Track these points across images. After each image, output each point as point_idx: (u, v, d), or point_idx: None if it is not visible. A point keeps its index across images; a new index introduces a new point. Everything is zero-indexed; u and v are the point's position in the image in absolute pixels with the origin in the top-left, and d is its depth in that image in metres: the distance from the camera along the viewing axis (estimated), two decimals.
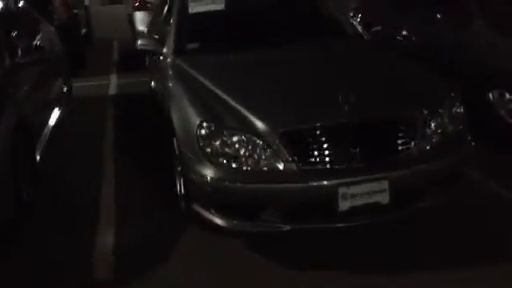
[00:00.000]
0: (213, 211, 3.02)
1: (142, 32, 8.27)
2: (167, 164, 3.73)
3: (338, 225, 2.93)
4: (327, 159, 2.88)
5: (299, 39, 4.11)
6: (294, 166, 2.86)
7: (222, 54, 3.95)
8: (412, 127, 3.00)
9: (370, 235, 3.18)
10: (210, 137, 2.98)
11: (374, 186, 2.87)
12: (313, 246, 3.16)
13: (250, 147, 2.91)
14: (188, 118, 3.16)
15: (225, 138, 2.95)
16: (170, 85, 3.79)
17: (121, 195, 4.00)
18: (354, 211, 2.87)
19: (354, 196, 2.85)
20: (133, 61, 8.71)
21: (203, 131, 3.00)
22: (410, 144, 2.98)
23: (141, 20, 8.50)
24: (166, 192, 3.84)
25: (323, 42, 4.13)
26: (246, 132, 2.93)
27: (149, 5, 8.43)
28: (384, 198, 2.90)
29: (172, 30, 4.23)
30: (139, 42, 4.30)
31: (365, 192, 2.87)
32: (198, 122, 3.03)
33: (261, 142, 2.90)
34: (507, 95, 4.54)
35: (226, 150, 2.94)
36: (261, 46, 3.98)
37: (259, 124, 2.94)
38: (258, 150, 2.90)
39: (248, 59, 3.83)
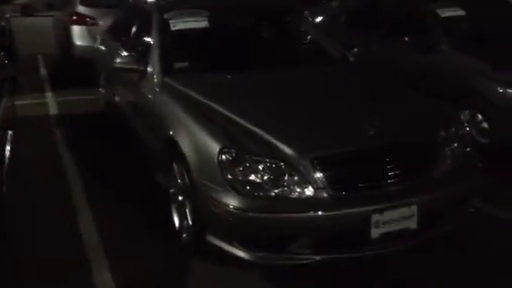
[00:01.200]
0: (236, 243, 2.80)
1: (81, 46, 7.85)
2: (152, 192, 3.47)
3: (368, 253, 2.83)
4: (359, 185, 2.78)
5: (292, 62, 4.03)
6: (325, 193, 2.72)
7: (216, 74, 3.75)
8: (434, 150, 3.00)
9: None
10: (234, 164, 2.77)
11: (405, 211, 2.82)
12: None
13: (276, 174, 2.74)
14: (204, 143, 2.93)
15: (249, 165, 2.76)
16: (163, 106, 3.53)
17: (103, 229, 3.64)
18: (383, 238, 2.80)
19: (385, 223, 2.78)
20: (64, 77, 8.29)
21: (225, 158, 2.79)
22: (434, 167, 2.98)
23: (79, 35, 8.01)
24: (151, 222, 3.61)
25: (318, 66, 4.07)
26: (272, 158, 2.77)
27: (88, 19, 7.98)
28: (413, 223, 2.85)
29: (155, 48, 3.96)
30: (118, 60, 3.98)
31: (395, 218, 2.80)
32: (218, 149, 2.82)
33: (288, 169, 2.74)
34: (479, 116, 4.74)
35: (252, 177, 2.75)
36: (256, 67, 3.84)
37: (286, 149, 2.79)
38: (285, 177, 2.73)
39: (249, 81, 3.66)
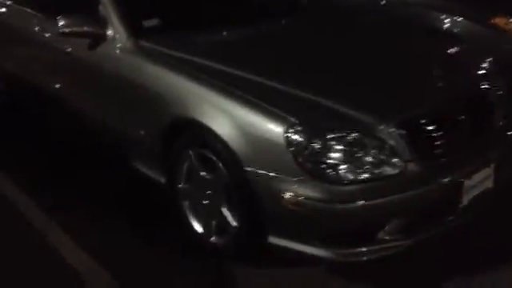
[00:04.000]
0: (315, 242, 2.24)
1: None
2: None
3: (458, 222, 2.45)
4: (446, 149, 2.36)
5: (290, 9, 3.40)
6: (416, 166, 2.25)
7: (203, 32, 2.99)
8: (504, 97, 2.67)
9: None
10: (307, 145, 2.16)
11: (487, 171, 2.48)
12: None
13: (361, 150, 2.19)
14: (257, 124, 2.25)
15: (326, 144, 2.17)
16: (155, 80, 2.72)
17: (87, 246, 2.80)
18: (470, 204, 2.44)
19: (473, 187, 2.42)
20: None
21: (294, 139, 2.16)
22: (497, 116, 2.66)
23: None
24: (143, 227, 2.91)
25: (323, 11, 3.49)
26: (351, 130, 2.20)
27: None
28: (490, 183, 2.53)
29: (108, 4, 3.04)
30: (62, 22, 2.99)
31: (480, 180, 2.45)
32: (283, 128, 2.18)
33: (373, 141, 2.21)
34: None
35: (332, 159, 2.17)
36: (245, 21, 3.14)
37: (363, 117, 2.24)
38: (372, 153, 2.20)
39: (256, 37, 2.97)
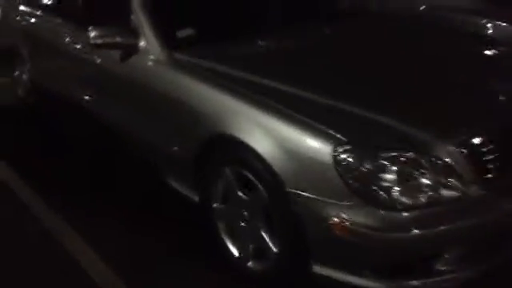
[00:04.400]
0: (366, 273, 2.04)
1: None
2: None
3: None
4: (509, 171, 2.13)
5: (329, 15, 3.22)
6: (478, 189, 2.03)
7: (239, 42, 2.84)
8: None
9: None
10: (358, 166, 1.96)
11: None
12: None
13: (418, 172, 1.98)
14: (301, 142, 2.06)
15: (380, 164, 1.96)
16: (190, 94, 2.56)
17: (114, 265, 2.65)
18: None
19: None
20: None
21: (344, 158, 1.97)
22: None
23: None
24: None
25: (354, 23, 3.29)
26: (407, 149, 1.99)
27: None
28: None
29: (140, 14, 2.91)
30: (93, 34, 2.87)
31: None
32: (331, 147, 1.99)
33: (431, 162, 1.99)
34: None
35: (386, 181, 1.96)
36: (285, 30, 2.98)
37: (421, 135, 2.03)
38: (431, 174, 1.98)
39: (293, 45, 2.81)
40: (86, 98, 3.62)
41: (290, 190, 2.09)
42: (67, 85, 3.89)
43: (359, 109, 2.15)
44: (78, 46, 3.48)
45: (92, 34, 2.88)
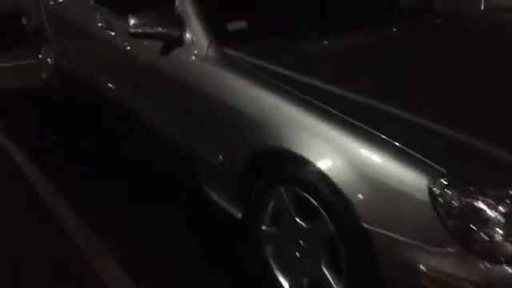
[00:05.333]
0: None
1: None
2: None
3: None
4: None
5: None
6: None
7: (303, 38, 2.47)
8: None
9: None
10: (459, 205, 1.59)
11: None
12: None
13: None
14: (383, 168, 1.70)
15: (490, 203, 1.58)
16: (242, 99, 2.21)
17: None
18: None
19: None
20: None
21: (443, 195, 1.60)
22: None
23: None
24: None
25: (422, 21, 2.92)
26: None
27: None
28: None
29: (186, 2, 2.56)
30: (133, 22, 2.53)
31: None
32: (426, 180, 1.61)
33: None
34: None
35: (491, 226, 1.59)
36: (351, 26, 2.61)
37: None
38: None
39: (364, 47, 2.44)
40: (115, 88, 3.31)
41: (366, 225, 1.73)
42: (95, 72, 3.59)
43: (456, 131, 1.78)
44: (111, 33, 3.16)
45: (131, 22, 2.54)
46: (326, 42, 2.52)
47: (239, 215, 2.40)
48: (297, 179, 1.99)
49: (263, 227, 2.21)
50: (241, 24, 2.52)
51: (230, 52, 2.39)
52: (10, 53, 5.68)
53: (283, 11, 2.64)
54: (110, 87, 3.34)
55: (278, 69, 2.23)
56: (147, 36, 2.56)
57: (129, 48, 2.96)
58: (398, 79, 2.19)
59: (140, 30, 2.53)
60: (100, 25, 3.27)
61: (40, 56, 4.69)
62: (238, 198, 2.38)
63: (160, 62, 2.68)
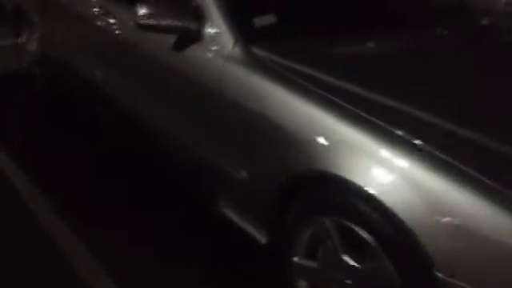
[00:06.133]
0: None
1: None
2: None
3: None
4: None
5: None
6: None
7: (343, 36, 2.16)
8: None
9: None
10: None
11: None
12: None
13: None
14: (465, 206, 1.40)
15: None
16: (276, 110, 1.88)
17: None
18: None
19: None
20: None
21: None
22: None
23: None
24: None
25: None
26: None
27: None
28: None
29: None
30: (143, 11, 2.16)
31: None
32: None
33: None
34: None
35: None
36: (401, 24, 2.31)
37: None
38: None
39: (415, 51, 2.15)
40: (112, 84, 2.94)
41: (441, 276, 1.44)
42: (88, 64, 3.19)
43: None
44: (110, 20, 2.78)
45: (141, 12, 2.18)
46: (369, 44, 2.21)
47: (263, 240, 2.09)
48: (347, 209, 1.68)
49: (295, 259, 1.91)
50: (270, 19, 2.18)
51: (259, 52, 2.06)
52: None
53: (319, 5, 2.30)
54: (106, 82, 2.97)
55: (321, 74, 1.91)
56: (159, 29, 2.20)
57: (132, 40, 2.59)
58: (457, 90, 1.90)
59: (151, 22, 2.17)
60: (96, 10, 2.89)
61: (21, 40, 4.25)
62: (262, 221, 2.07)
63: (171, 59, 2.33)
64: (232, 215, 2.23)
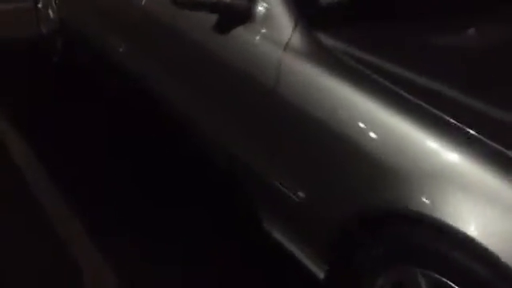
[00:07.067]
0: None
1: None
2: None
3: None
4: None
5: None
6: None
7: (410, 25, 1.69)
8: None
9: None
10: None
11: None
12: None
13: None
14: None
15: None
16: (332, 107, 1.45)
17: None
18: None
19: None
20: None
21: None
22: None
23: None
24: None
25: None
26: None
27: None
28: None
29: None
30: None
31: None
32: None
33: None
34: None
35: None
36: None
37: None
38: None
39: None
40: (139, 64, 2.52)
41: None
42: (112, 39, 2.76)
43: None
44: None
45: None
46: (453, 36, 1.73)
47: (321, 275, 1.69)
48: (451, 264, 1.26)
49: None
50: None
51: (326, 40, 1.59)
52: None
53: None
54: (131, 61, 2.54)
55: (407, 74, 1.45)
56: (200, 6, 1.74)
57: (164, 16, 2.14)
58: None
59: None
60: None
61: (39, 5, 3.83)
62: (322, 254, 1.66)
63: (211, 42, 1.89)
64: (277, 235, 1.82)
